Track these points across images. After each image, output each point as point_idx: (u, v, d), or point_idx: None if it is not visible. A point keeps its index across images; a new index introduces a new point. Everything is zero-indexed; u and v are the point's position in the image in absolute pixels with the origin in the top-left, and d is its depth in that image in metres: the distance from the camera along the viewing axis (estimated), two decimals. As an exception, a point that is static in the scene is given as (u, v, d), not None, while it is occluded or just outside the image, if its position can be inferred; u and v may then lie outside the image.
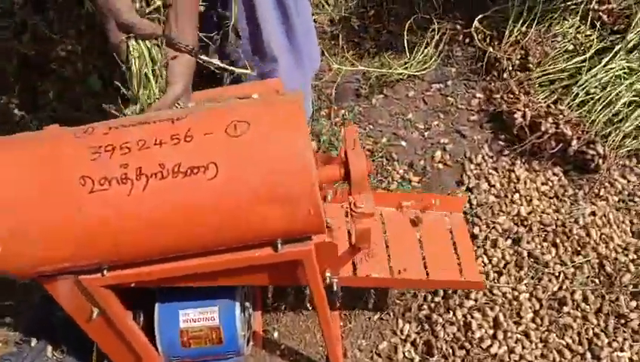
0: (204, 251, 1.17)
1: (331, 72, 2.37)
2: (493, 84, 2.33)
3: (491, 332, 1.71)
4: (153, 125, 1.12)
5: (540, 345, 1.68)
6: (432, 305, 1.79)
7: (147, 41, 1.21)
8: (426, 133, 2.25)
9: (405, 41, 2.39)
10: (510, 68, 2.33)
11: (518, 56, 2.33)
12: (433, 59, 2.42)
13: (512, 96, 2.24)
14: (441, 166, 2.14)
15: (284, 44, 1.63)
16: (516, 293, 1.76)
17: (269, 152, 1.06)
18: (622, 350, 1.64)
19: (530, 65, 2.30)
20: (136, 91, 1.23)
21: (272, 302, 1.85)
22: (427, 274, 1.54)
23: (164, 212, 1.07)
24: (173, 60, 1.22)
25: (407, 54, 2.40)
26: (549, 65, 2.28)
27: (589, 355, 1.65)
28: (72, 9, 2.16)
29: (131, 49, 1.20)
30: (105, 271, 1.20)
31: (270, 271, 1.31)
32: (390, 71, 2.34)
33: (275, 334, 1.81)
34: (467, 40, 2.46)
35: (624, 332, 1.67)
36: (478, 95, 2.33)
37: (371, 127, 2.29)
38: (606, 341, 1.66)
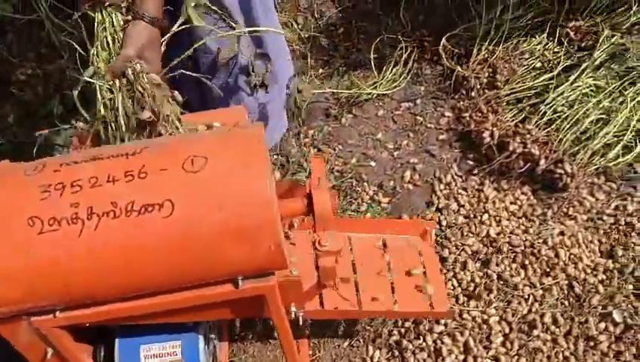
0: (160, 291, 1.13)
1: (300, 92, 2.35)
2: (461, 102, 2.33)
3: (462, 357, 1.69)
4: (107, 161, 1.08)
5: (511, 370, 1.67)
6: (403, 330, 1.77)
7: (109, 9, 1.27)
8: (395, 153, 2.23)
9: (372, 61, 2.38)
10: (478, 86, 2.33)
11: (486, 75, 2.34)
12: (402, 77, 2.41)
13: (480, 114, 2.23)
14: (410, 186, 2.13)
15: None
16: (486, 317, 1.75)
17: (227, 189, 1.03)
18: (592, 373, 1.64)
19: (498, 84, 2.31)
20: (96, 53, 1.28)
21: (239, 332, 1.81)
22: (395, 303, 1.51)
23: (116, 252, 1.03)
24: (128, 26, 1.26)
25: (376, 74, 2.38)
26: (517, 83, 2.29)
27: (559, 379, 1.64)
28: (31, 32, 2.10)
29: (95, 15, 1.29)
30: (57, 313, 1.15)
31: (232, 306, 1.27)
32: (359, 91, 2.32)
33: (243, 364, 1.77)
34: (435, 58, 2.46)
35: (593, 354, 1.66)
36: (447, 113, 2.32)
37: (341, 147, 2.27)
38: (576, 364, 1.65)
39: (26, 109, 2.25)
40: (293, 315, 1.37)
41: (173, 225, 1.02)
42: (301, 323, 1.40)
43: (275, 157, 2.25)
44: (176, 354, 1.48)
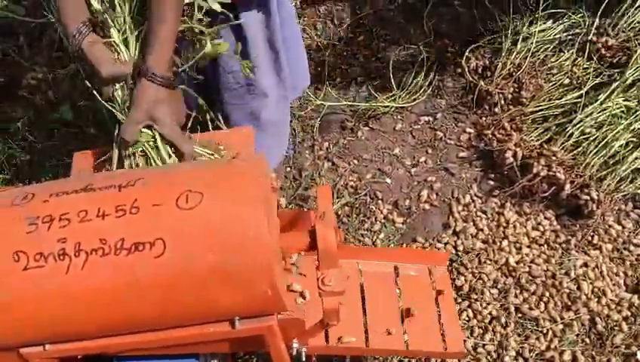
0: (153, 329, 1.07)
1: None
2: (484, 118, 2.23)
3: (475, 393, 1.61)
4: (98, 193, 1.01)
5: (526, 410, 1.58)
6: (413, 361, 1.69)
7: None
8: (412, 170, 2.15)
9: (392, 72, 2.29)
10: (502, 102, 2.23)
11: (511, 90, 2.23)
12: (423, 89, 2.32)
13: (503, 132, 2.14)
14: (427, 206, 2.04)
15: (273, 81, 1.57)
16: (501, 352, 1.66)
17: (221, 231, 0.96)
18: (612, 418, 1.54)
19: (524, 100, 2.21)
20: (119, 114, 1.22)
21: (243, 354, 1.74)
22: (407, 344, 1.43)
23: (104, 292, 0.97)
24: (136, 88, 1.18)
25: (394, 86, 2.30)
26: (543, 101, 2.19)
27: (577, 422, 1.55)
28: (42, 35, 2.06)
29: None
30: (47, 346, 1.10)
31: (231, 343, 1.21)
32: (377, 104, 2.24)
33: (245, 390, 1.71)
34: (458, 70, 2.37)
35: (615, 398, 1.57)
36: (468, 130, 2.23)
37: (356, 161, 2.19)
38: (596, 407, 1.56)
39: (36, 113, 2.21)
40: (295, 352, 1.30)
41: (164, 265, 0.95)
42: (304, 359, 1.33)
43: (288, 169, 2.18)
44: (175, 381, 1.42)
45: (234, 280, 0.98)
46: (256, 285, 0.98)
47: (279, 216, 1.32)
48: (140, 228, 0.97)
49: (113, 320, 1.01)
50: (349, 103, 2.28)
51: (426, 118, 2.29)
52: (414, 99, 2.30)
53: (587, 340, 1.68)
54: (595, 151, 1.97)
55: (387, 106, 2.28)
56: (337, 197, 2.08)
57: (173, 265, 0.96)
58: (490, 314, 1.73)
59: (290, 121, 2.29)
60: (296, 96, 1.87)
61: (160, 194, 1.00)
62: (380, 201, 2.07)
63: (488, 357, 1.67)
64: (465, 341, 1.66)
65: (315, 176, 2.15)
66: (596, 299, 1.74)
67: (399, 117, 2.31)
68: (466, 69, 2.26)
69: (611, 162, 1.97)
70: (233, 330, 1.09)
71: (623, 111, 2.06)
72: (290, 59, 1.59)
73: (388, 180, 2.13)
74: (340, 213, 2.04)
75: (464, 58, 2.29)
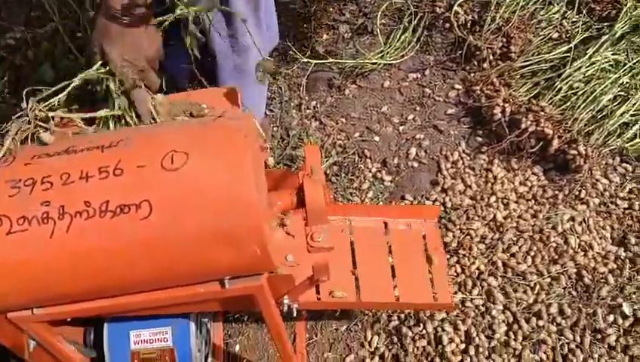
0: (141, 290, 1.07)
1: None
2: (472, 74, 2.21)
3: (462, 346, 1.64)
4: (80, 155, 1.00)
5: (513, 361, 1.61)
6: (402, 316, 1.71)
7: None
8: (400, 128, 2.13)
9: (380, 28, 2.25)
10: (491, 57, 2.20)
11: (500, 45, 2.20)
12: (411, 45, 2.28)
13: (491, 88, 2.12)
14: (415, 164, 2.03)
15: (255, 34, 1.55)
16: (489, 306, 1.68)
17: (209, 191, 0.95)
18: (597, 367, 1.58)
19: (512, 55, 2.18)
20: None
21: (234, 313, 1.76)
22: (397, 294, 1.45)
23: (90, 255, 0.96)
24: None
25: (382, 42, 2.26)
26: (532, 55, 2.16)
27: (563, 372, 1.59)
28: (21, -5, 2.00)
29: None
30: (35, 309, 1.09)
31: (221, 302, 1.21)
32: (364, 61, 2.20)
33: (237, 347, 1.72)
34: (447, 25, 2.32)
35: (600, 348, 1.60)
36: (456, 86, 2.20)
37: (344, 120, 2.16)
38: (581, 357, 1.59)
39: (17, 74, 2.15)
40: (285, 308, 1.31)
41: (150, 227, 0.94)
42: (295, 314, 1.34)
43: (275, 129, 2.16)
44: (167, 340, 1.43)
45: (223, 240, 0.97)
46: (245, 245, 0.98)
47: (267, 176, 1.31)
48: (124, 189, 0.95)
49: (101, 282, 1.01)
50: (336, 61, 2.24)
51: (414, 75, 2.26)
52: (402, 56, 2.26)
53: (574, 293, 1.70)
54: (583, 105, 1.96)
55: (375, 63, 2.24)
56: (325, 157, 2.07)
57: (160, 227, 0.95)
58: (478, 269, 1.75)
59: (276, 79, 2.26)
60: (269, 50, 1.85)
61: (144, 154, 0.98)
62: (368, 160, 2.06)
63: (476, 311, 1.69)
64: (453, 296, 1.67)
65: (302, 136, 2.12)
66: (583, 253, 1.76)
67: (387, 74, 2.28)
68: (455, 24, 2.22)
69: (599, 116, 1.96)
70: (223, 290, 1.09)
71: (611, 65, 2.05)
72: (266, 8, 1.58)
73: (376, 138, 2.11)
74: (328, 172, 2.03)
75: (453, 12, 2.24)
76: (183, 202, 0.95)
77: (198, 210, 0.94)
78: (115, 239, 0.95)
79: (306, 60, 2.19)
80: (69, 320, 1.24)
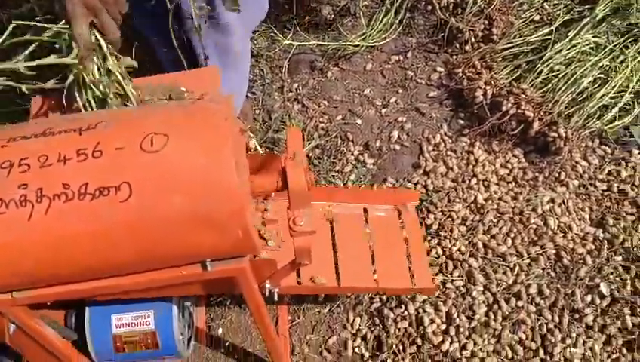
0: (121, 273, 1.06)
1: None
2: (454, 56, 2.21)
3: (443, 327, 1.66)
4: (58, 137, 0.98)
5: (493, 341, 1.63)
6: (384, 298, 1.72)
7: None
8: (383, 111, 2.13)
9: (362, 9, 2.24)
10: (473, 39, 2.21)
11: (482, 27, 2.21)
12: (393, 27, 2.27)
13: (473, 70, 2.12)
14: (397, 147, 2.04)
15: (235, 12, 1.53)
16: (470, 287, 1.70)
17: (189, 173, 0.94)
18: (575, 346, 1.60)
19: (494, 37, 2.18)
20: None
21: (216, 297, 1.76)
22: (376, 279, 1.46)
23: (69, 238, 0.95)
24: None
25: (365, 25, 2.25)
26: (514, 38, 2.17)
27: (541, 351, 1.61)
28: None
29: None
30: (14, 293, 1.08)
31: (203, 285, 1.21)
32: (347, 44, 2.19)
33: (220, 330, 1.73)
34: (429, 7, 2.31)
35: (578, 327, 1.63)
36: (438, 68, 2.20)
37: (326, 103, 2.16)
38: (559, 337, 1.62)
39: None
40: (267, 292, 1.31)
41: (130, 210, 0.94)
42: (276, 299, 1.34)
43: (257, 112, 2.14)
44: (149, 324, 1.43)
45: (204, 223, 0.96)
46: (226, 228, 0.98)
47: (249, 159, 1.30)
48: (103, 172, 0.94)
49: (81, 265, 1.00)
50: (319, 43, 2.23)
51: (397, 57, 2.26)
52: (385, 38, 2.25)
53: (553, 273, 1.72)
54: (563, 88, 1.97)
55: (357, 46, 2.23)
56: (308, 140, 2.06)
57: (140, 210, 0.94)
58: (458, 250, 1.76)
59: (257, 61, 2.24)
60: (253, 28, 1.82)
61: (123, 136, 0.97)
62: (350, 143, 2.06)
63: (457, 292, 1.70)
64: (434, 277, 1.69)
65: (285, 119, 2.11)
66: (562, 234, 1.78)
67: (369, 56, 2.27)
68: (437, 6, 2.22)
69: (579, 99, 1.97)
70: (205, 272, 1.09)
71: (592, 48, 2.06)
72: None
73: (358, 121, 2.11)
74: (310, 155, 2.03)
75: (435, -7, 2.23)
76: (163, 184, 0.94)
77: (178, 192, 0.94)
78: (95, 222, 0.94)
79: (288, 42, 2.17)
80: (49, 303, 1.24)
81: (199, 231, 0.96)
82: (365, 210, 1.63)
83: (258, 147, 1.30)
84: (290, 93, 2.19)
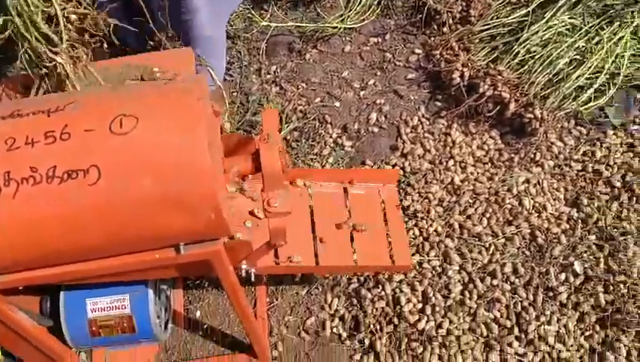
0: (95, 257, 1.06)
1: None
2: (432, 38, 2.21)
3: (419, 306, 1.67)
4: (26, 119, 0.97)
5: (468, 319, 1.65)
6: (362, 279, 1.74)
7: None
8: (361, 93, 2.13)
9: (341, -8, 2.23)
10: (450, 21, 2.21)
11: (459, 8, 2.21)
12: (372, 9, 2.26)
13: (451, 52, 2.12)
14: (375, 129, 2.04)
15: None
16: (446, 266, 1.72)
17: (159, 155, 0.93)
18: (549, 323, 1.63)
19: (472, 19, 2.18)
20: None
21: (194, 280, 1.76)
22: (355, 258, 1.46)
23: (38, 222, 0.94)
24: None
25: (343, 6, 2.23)
26: (491, 19, 2.17)
27: (516, 329, 1.64)
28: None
29: None
30: (-16, 278, 1.07)
31: (178, 268, 1.21)
32: (325, 25, 2.18)
33: (198, 313, 1.73)
34: (408, -12, 2.31)
35: (552, 305, 1.66)
36: (416, 50, 2.20)
37: (304, 85, 2.15)
38: (534, 314, 1.64)
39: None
40: (244, 273, 1.31)
41: (99, 193, 0.93)
42: (253, 279, 1.35)
43: (235, 94, 2.13)
44: (125, 307, 1.43)
45: (175, 205, 0.96)
46: (199, 210, 0.97)
47: (223, 141, 1.30)
48: (72, 155, 0.93)
49: (50, 249, 0.99)
50: (297, 25, 2.21)
51: (375, 39, 2.25)
52: (363, 20, 2.25)
53: (527, 253, 1.75)
54: (539, 69, 1.98)
55: (335, 27, 2.22)
56: (286, 122, 2.05)
57: (109, 193, 0.93)
58: (435, 231, 1.78)
59: (235, 43, 2.23)
60: (232, 10, 1.78)
61: (92, 118, 0.96)
62: (329, 125, 2.05)
63: (433, 271, 1.72)
64: (411, 257, 1.70)
65: (262, 101, 2.10)
66: (537, 214, 1.80)
67: (348, 38, 2.26)
68: (415, -13, 2.21)
69: (555, 80, 1.99)
70: (178, 256, 1.09)
71: (568, 29, 2.07)
72: None
73: (337, 104, 2.11)
74: (288, 138, 2.02)
75: (412, -25, 2.23)
76: (133, 167, 0.93)
77: (148, 174, 0.93)
78: (63, 205, 0.93)
79: (265, 24, 2.15)
80: (21, 289, 1.23)
81: (170, 213, 0.96)
82: (345, 190, 1.64)
83: (231, 129, 1.29)
84: (268, 76, 2.17)
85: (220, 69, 1.80)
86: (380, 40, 2.25)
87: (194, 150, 0.93)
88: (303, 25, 2.22)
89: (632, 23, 2.07)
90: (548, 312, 1.65)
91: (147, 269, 1.17)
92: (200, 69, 1.27)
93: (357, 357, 1.65)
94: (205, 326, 1.71)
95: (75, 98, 1.01)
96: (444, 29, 2.21)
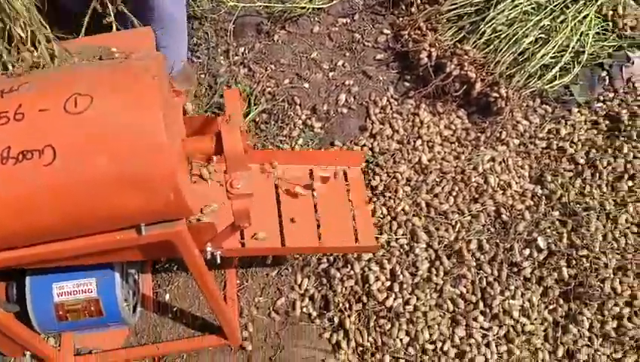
0: (55, 239, 1.05)
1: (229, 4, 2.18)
2: (401, 18, 2.21)
3: (388, 284, 1.70)
4: (-22, 100, 0.95)
5: (435, 296, 1.68)
6: (331, 259, 1.75)
7: None
8: (330, 74, 2.13)
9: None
10: (418, 1, 2.22)
11: (427, -12, 2.22)
12: (341, -12, 2.26)
13: (419, 32, 2.13)
14: (345, 110, 2.05)
15: None
16: (413, 245, 1.74)
17: (115, 134, 0.93)
18: (513, 298, 1.67)
19: (439, -2, 2.19)
20: None
21: (163, 263, 1.75)
22: (321, 239, 1.48)
23: (-6, 204, 0.93)
24: None
25: (312, -14, 2.23)
26: (458, -1, 2.18)
27: (481, 304, 1.67)
28: None
29: None
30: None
31: (142, 250, 1.21)
32: (293, 5, 2.17)
33: (167, 296, 1.73)
34: (376, -32, 2.31)
35: (516, 280, 1.69)
36: (385, 31, 2.21)
37: (273, 67, 2.14)
38: (498, 289, 1.68)
39: None
40: (209, 255, 1.32)
41: (55, 173, 0.92)
42: (219, 261, 1.35)
43: (202, 76, 2.11)
44: (92, 291, 1.43)
45: (132, 185, 0.96)
46: (157, 190, 0.97)
47: (187, 123, 1.29)
48: (26, 135, 0.92)
49: (6, 231, 0.98)
50: (265, 5, 2.20)
51: (344, 20, 2.25)
52: (331, 0, 2.24)
53: (492, 229, 1.78)
54: (505, 48, 2.00)
55: (304, 8, 2.21)
56: (255, 104, 2.05)
57: (65, 173, 0.93)
58: (403, 210, 1.80)
59: (201, 24, 2.20)
60: None
61: (46, 98, 0.95)
62: (298, 107, 2.05)
63: (401, 250, 1.74)
64: (378, 237, 1.72)
65: (230, 83, 2.09)
66: (502, 191, 1.83)
67: (317, 19, 2.25)
68: (383, -33, 2.21)
69: (521, 59, 2.01)
70: (140, 237, 1.08)
71: (533, 8, 2.08)
72: None
73: (306, 85, 2.11)
74: (257, 120, 2.02)
75: (380, -46, 2.23)
76: (88, 146, 0.93)
77: (103, 154, 0.93)
78: (19, 186, 0.92)
79: (233, 4, 2.14)
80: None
81: (127, 193, 0.96)
82: (311, 172, 1.64)
83: (194, 110, 1.28)
84: (236, 57, 2.16)
85: (182, 53, 1.78)
86: (348, 20, 2.25)
87: (149, 128, 0.93)
88: (271, 5, 2.21)
89: (597, 1, 2.09)
90: (512, 287, 1.68)
91: (112, 251, 1.17)
92: (161, 49, 1.25)
93: (326, 335, 1.67)
94: (175, 309, 1.71)
95: (29, 79, 1.00)
96: (412, 9, 2.21)
